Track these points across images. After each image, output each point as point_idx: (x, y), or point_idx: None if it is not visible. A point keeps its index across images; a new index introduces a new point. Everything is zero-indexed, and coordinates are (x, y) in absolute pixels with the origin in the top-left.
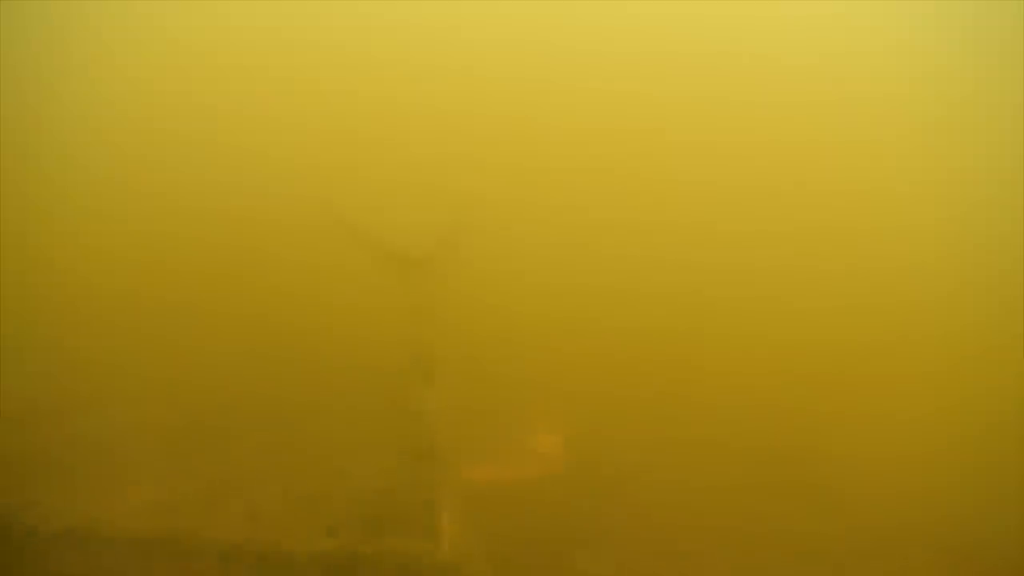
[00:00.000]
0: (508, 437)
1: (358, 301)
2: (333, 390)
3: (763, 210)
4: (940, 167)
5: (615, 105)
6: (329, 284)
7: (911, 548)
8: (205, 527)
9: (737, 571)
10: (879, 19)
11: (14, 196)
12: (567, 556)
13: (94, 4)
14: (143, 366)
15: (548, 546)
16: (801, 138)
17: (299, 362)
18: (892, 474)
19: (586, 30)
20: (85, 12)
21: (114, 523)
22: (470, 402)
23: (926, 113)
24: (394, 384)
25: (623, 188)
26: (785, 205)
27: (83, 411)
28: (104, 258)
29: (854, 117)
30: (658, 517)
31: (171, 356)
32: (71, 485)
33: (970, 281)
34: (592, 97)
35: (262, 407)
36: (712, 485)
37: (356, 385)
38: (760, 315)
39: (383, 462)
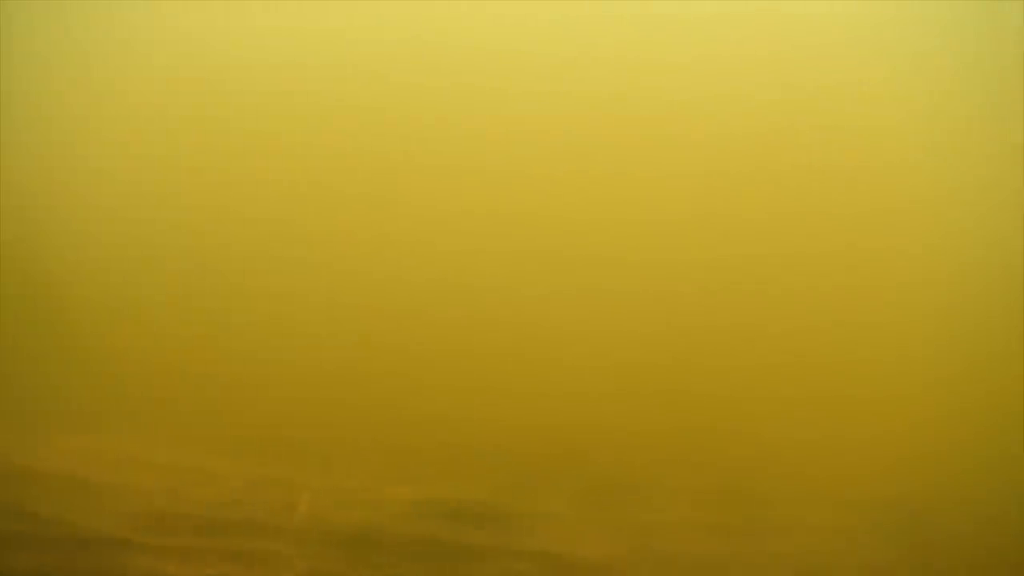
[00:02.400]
0: None
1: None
2: None
3: (760, 213)
4: (942, 167)
5: (610, 110)
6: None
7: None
8: None
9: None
10: (880, 20)
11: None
12: None
13: (97, 5)
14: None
15: None
16: (794, 138)
17: None
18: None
19: (584, 31)
20: (87, 13)
21: None
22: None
23: (928, 114)
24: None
25: (616, 191)
26: (780, 208)
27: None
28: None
29: (852, 118)
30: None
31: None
32: None
33: (971, 282)
34: (587, 101)
35: None
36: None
37: None
38: (763, 310)
39: None
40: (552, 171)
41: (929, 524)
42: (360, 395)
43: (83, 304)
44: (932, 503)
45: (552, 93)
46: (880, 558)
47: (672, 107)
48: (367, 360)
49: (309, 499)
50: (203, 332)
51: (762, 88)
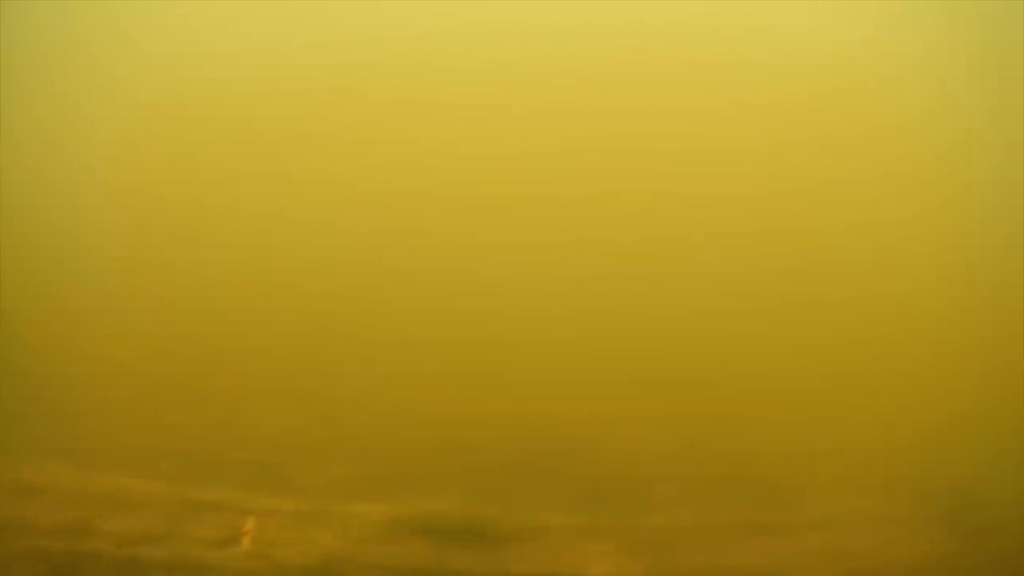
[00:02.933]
0: None
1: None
2: None
3: (759, 213)
4: (942, 167)
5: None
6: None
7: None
8: None
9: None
10: (879, 21)
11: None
12: None
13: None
14: None
15: None
16: (793, 139)
17: None
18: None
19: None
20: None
21: None
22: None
23: (927, 114)
24: None
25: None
26: (779, 208)
27: None
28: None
29: (852, 118)
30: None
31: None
32: None
33: (970, 281)
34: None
35: None
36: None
37: None
38: (784, 284)
39: None
40: (548, 161)
41: (984, 509)
42: (315, 394)
43: None
44: (983, 486)
45: (557, 92)
46: (940, 549)
47: (682, 110)
48: (322, 352)
49: (255, 525)
50: (117, 329)
51: (770, 92)
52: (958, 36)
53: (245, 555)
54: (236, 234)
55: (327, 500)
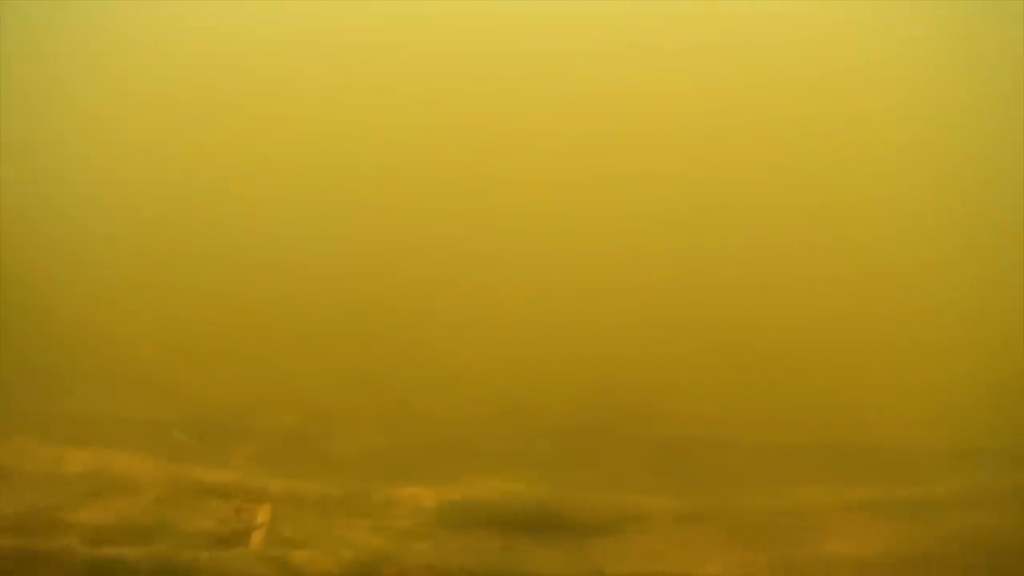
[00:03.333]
0: None
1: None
2: None
3: (760, 209)
4: (943, 163)
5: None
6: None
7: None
8: None
9: None
10: (880, 19)
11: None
12: None
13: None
14: None
15: None
16: (796, 135)
17: None
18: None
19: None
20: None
21: None
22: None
23: (928, 111)
24: None
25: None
26: (780, 206)
27: None
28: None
29: (852, 114)
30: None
31: None
32: None
33: (971, 279)
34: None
35: None
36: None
37: None
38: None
39: None
40: (600, 134)
41: None
42: (348, 354)
43: None
44: None
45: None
46: None
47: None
48: (359, 301)
49: (270, 515)
50: (106, 281)
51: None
52: (957, 21)
53: (255, 557)
54: (253, 187)
55: (364, 481)
